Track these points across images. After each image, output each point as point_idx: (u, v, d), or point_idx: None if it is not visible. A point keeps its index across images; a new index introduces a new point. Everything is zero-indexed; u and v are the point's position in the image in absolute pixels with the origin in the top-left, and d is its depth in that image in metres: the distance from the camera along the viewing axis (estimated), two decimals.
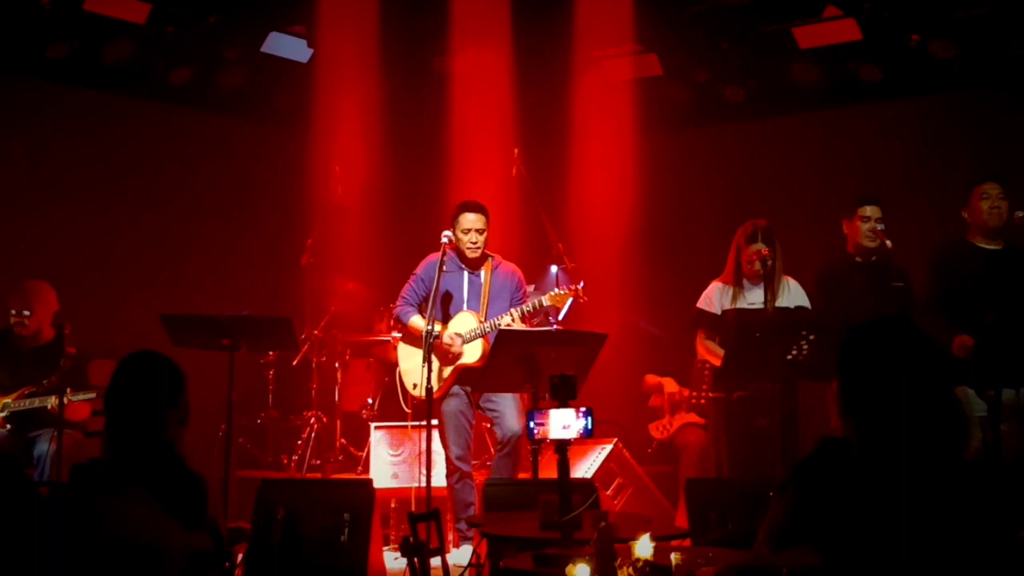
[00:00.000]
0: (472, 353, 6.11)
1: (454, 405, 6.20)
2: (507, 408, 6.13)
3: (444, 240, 6.06)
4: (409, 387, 6.37)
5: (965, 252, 5.89)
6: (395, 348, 7.64)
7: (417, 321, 6.20)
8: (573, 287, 6.13)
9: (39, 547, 3.23)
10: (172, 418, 3.41)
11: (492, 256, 6.37)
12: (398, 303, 6.39)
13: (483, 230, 6.24)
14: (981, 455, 4.98)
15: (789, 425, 5.60)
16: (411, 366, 6.29)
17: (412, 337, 6.29)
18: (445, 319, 6.21)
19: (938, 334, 5.12)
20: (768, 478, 4.97)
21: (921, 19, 7.41)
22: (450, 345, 6.09)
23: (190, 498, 3.36)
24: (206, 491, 3.42)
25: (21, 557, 3.24)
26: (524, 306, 6.16)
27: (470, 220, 6.22)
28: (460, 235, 6.22)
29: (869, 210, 6.05)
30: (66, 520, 3.27)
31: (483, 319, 6.16)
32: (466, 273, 6.29)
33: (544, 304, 6.11)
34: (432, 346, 5.87)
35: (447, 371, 6.17)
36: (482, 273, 6.30)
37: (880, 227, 5.98)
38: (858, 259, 6.12)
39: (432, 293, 6.02)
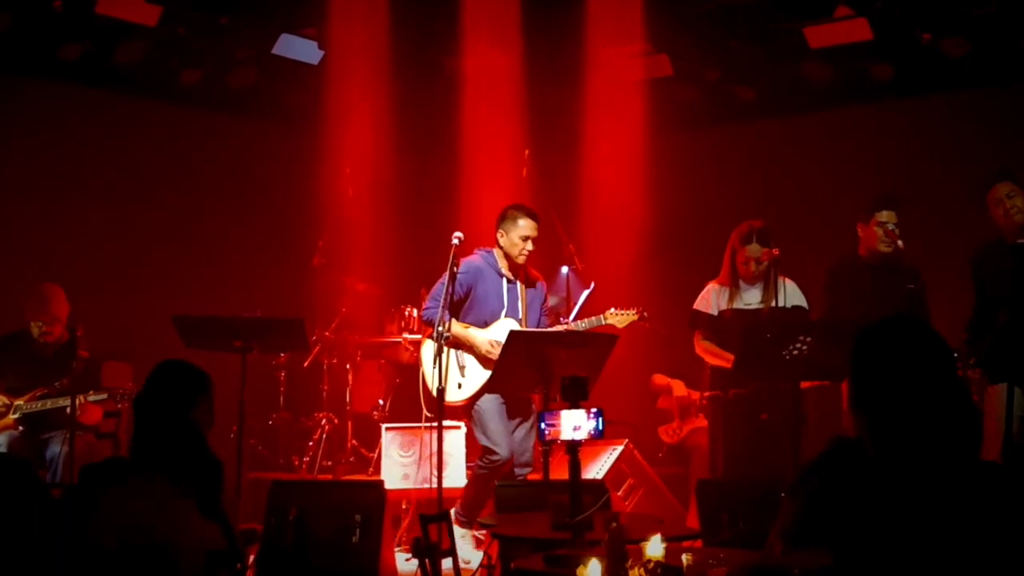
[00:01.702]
0: None
1: (494, 401, 6.06)
2: (528, 443, 6.12)
3: (455, 241, 5.83)
4: (435, 391, 5.84)
5: (998, 252, 5.73)
6: (406, 348, 7.68)
7: (455, 328, 5.97)
8: (638, 310, 6.04)
9: (50, 549, 3.24)
10: (200, 402, 3.75)
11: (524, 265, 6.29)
12: (427, 304, 6.12)
13: (536, 239, 6.14)
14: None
15: (794, 424, 5.57)
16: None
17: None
18: (480, 322, 6.13)
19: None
20: (779, 479, 4.96)
21: (933, 17, 7.37)
22: (489, 352, 6.01)
23: (208, 477, 3.52)
24: (223, 474, 3.60)
25: (33, 559, 3.25)
26: (581, 322, 6.10)
27: (531, 227, 6.08)
28: (516, 240, 6.08)
29: (886, 215, 5.97)
30: (78, 521, 3.28)
31: (525, 328, 6.04)
32: (505, 280, 6.20)
33: (604, 323, 6.00)
34: (444, 342, 5.78)
35: (484, 375, 6.03)
36: (518, 282, 6.22)
37: (895, 230, 5.92)
38: (868, 260, 6.07)
39: (446, 293, 5.82)
